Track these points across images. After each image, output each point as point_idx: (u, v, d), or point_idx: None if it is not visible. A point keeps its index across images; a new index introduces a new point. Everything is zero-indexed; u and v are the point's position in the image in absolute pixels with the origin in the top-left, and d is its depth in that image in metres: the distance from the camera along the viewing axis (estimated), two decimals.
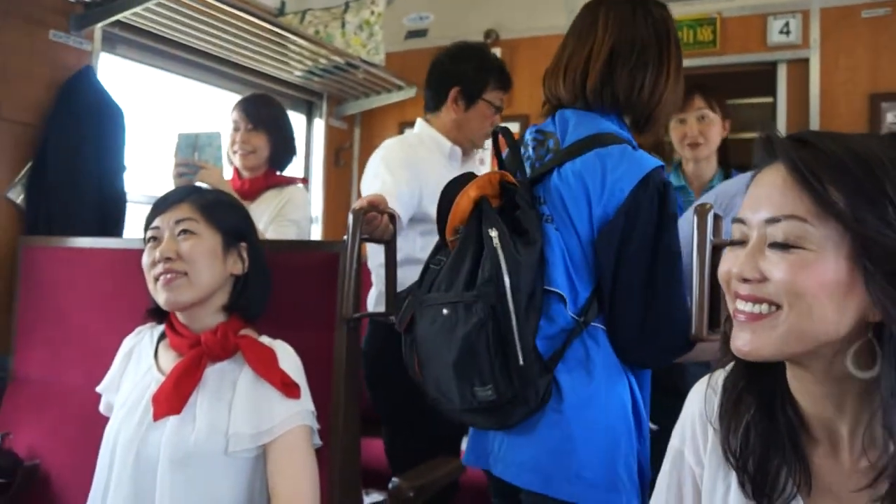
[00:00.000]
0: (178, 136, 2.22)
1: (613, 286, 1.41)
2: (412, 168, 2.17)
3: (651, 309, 1.40)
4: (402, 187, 2.08)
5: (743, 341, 0.85)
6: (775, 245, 0.82)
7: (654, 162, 1.44)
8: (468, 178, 1.47)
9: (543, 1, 3.76)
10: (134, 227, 2.60)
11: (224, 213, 1.56)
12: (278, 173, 2.62)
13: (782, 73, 3.41)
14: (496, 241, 1.34)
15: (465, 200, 1.42)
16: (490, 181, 1.45)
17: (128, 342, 1.62)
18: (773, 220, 0.83)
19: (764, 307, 0.83)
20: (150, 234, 1.51)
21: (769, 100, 3.62)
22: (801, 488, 0.87)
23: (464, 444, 2.19)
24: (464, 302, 1.34)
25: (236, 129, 2.55)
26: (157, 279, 1.47)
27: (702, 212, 1.35)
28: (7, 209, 2.28)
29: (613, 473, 1.39)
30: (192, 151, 2.17)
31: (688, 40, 3.48)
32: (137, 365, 1.56)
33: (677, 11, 3.52)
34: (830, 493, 0.87)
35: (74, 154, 2.32)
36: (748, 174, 0.91)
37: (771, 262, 0.82)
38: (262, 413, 1.41)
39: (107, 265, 1.98)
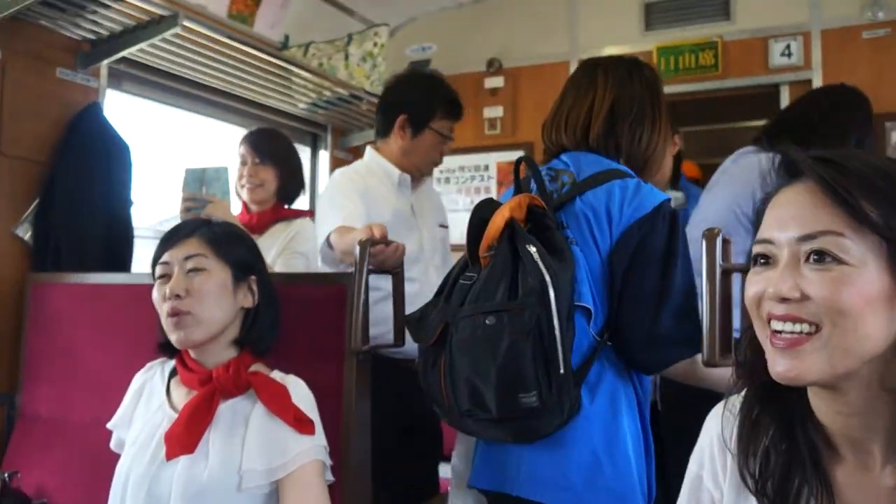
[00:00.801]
0: (185, 172, 2.23)
1: (623, 300, 1.52)
2: (363, 197, 2.18)
3: (665, 313, 1.48)
4: (357, 209, 2.11)
5: (785, 367, 0.82)
6: (814, 262, 0.81)
7: (664, 195, 1.59)
8: (493, 202, 1.58)
9: (545, 30, 3.79)
10: (141, 261, 2.61)
11: (233, 247, 1.56)
12: (286, 206, 2.63)
13: (785, 95, 3.42)
14: (536, 256, 1.42)
15: (499, 219, 1.51)
16: (520, 204, 1.53)
17: (139, 378, 1.61)
18: (807, 238, 0.81)
19: (805, 327, 0.81)
20: (159, 270, 1.51)
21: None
22: None
23: (442, 472, 2.20)
24: (509, 311, 1.39)
25: (244, 163, 2.57)
26: (167, 317, 1.47)
27: (710, 236, 1.35)
28: (15, 246, 2.28)
29: (633, 485, 1.47)
30: (200, 186, 2.18)
31: (689, 65, 3.50)
32: (149, 401, 1.55)
33: (678, 36, 3.57)
34: None
35: (81, 190, 2.33)
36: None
37: (810, 279, 0.80)
38: (275, 449, 1.40)
39: (115, 301, 1.98)
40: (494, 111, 3.86)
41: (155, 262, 1.53)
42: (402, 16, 3.97)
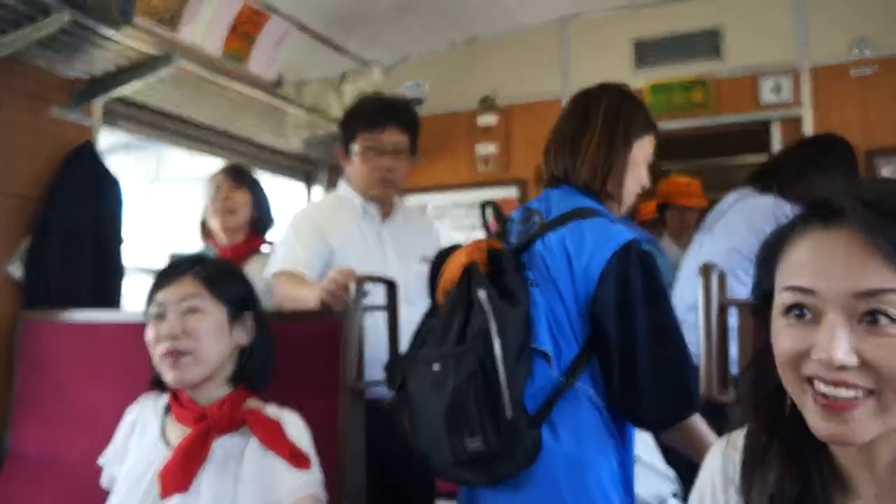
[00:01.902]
0: (170, 257, 2.24)
1: (620, 348, 1.47)
2: (320, 233, 2.14)
3: (663, 368, 1.45)
4: (311, 255, 2.08)
5: (833, 430, 0.76)
6: (868, 323, 0.73)
7: (630, 234, 1.54)
8: (455, 248, 1.59)
9: (539, 68, 3.83)
10: (132, 298, 2.60)
11: (228, 284, 1.55)
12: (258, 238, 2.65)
13: (776, 132, 3.45)
14: (484, 300, 1.42)
15: (454, 265, 1.52)
16: (478, 248, 1.54)
17: (130, 413, 1.59)
18: (867, 295, 0.73)
19: (859, 393, 0.74)
20: (153, 309, 1.49)
21: (763, 158, 3.66)
22: None
23: None
24: (454, 355, 1.41)
25: (218, 190, 2.59)
26: (163, 357, 1.45)
27: (706, 271, 1.35)
28: (6, 283, 2.27)
29: None
30: None
31: (680, 102, 3.53)
32: (143, 436, 1.53)
33: (669, 74, 3.61)
34: None
35: (73, 227, 2.33)
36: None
37: (870, 344, 0.73)
38: (270, 484, 1.39)
39: (105, 338, 1.96)
40: (487, 148, 3.88)
41: (149, 301, 1.52)
42: (395, 55, 4.00)
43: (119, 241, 2.47)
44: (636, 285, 1.47)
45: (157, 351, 1.46)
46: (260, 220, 2.64)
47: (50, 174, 2.36)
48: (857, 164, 2.42)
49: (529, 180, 3.72)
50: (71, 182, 2.37)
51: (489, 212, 1.65)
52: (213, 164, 2.95)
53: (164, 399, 1.56)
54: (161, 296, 1.49)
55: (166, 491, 1.38)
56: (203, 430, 1.44)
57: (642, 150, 1.69)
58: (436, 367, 1.42)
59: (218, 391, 1.49)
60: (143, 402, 1.60)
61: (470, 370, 1.38)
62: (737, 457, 0.92)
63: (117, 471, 1.53)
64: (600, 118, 1.65)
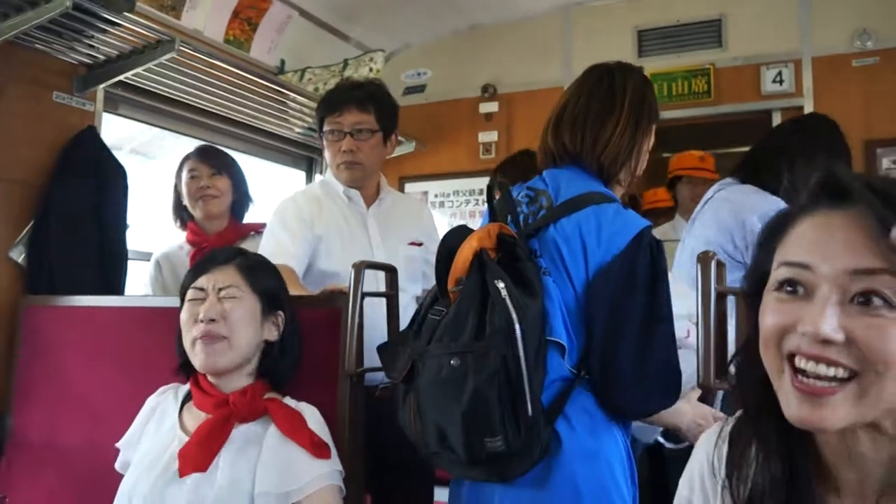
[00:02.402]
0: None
1: (607, 332, 1.44)
2: (304, 222, 2.13)
3: (646, 357, 1.42)
4: (298, 245, 2.08)
5: (806, 413, 0.75)
6: (859, 303, 0.73)
7: (644, 221, 1.50)
8: (464, 230, 1.50)
9: (540, 56, 3.83)
10: (135, 284, 2.60)
11: (266, 278, 1.59)
12: (238, 221, 2.63)
13: (777, 121, 3.44)
14: (504, 292, 1.35)
15: (467, 251, 1.44)
16: (489, 233, 1.47)
17: (151, 400, 1.61)
18: (863, 273, 0.73)
19: (839, 372, 0.73)
20: (192, 293, 1.53)
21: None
22: None
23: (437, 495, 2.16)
24: (474, 352, 1.34)
25: (195, 178, 2.53)
26: (195, 340, 1.47)
27: (705, 259, 1.35)
28: (9, 269, 2.28)
29: None
30: None
31: (682, 91, 3.53)
32: (160, 423, 1.55)
33: (671, 63, 3.60)
34: None
35: (76, 213, 2.33)
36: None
37: (859, 322, 0.72)
38: (290, 472, 1.40)
39: (108, 324, 1.97)
40: (489, 136, 3.88)
41: (188, 285, 1.55)
42: (397, 42, 4.00)
43: (123, 227, 2.47)
44: (640, 272, 1.44)
45: (192, 332, 1.48)
46: (239, 203, 2.61)
47: (52, 160, 2.37)
48: (843, 141, 2.34)
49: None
50: (73, 168, 2.37)
51: (498, 193, 1.61)
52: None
53: (184, 389, 1.58)
54: (202, 281, 1.53)
55: (185, 470, 1.40)
56: (224, 414, 1.46)
57: (652, 138, 1.67)
58: (454, 362, 1.35)
59: (241, 381, 1.52)
60: (164, 392, 1.61)
61: (493, 369, 1.32)
62: (725, 448, 0.92)
63: (131, 455, 1.55)
64: (627, 100, 1.60)
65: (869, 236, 0.73)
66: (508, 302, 1.34)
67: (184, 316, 1.52)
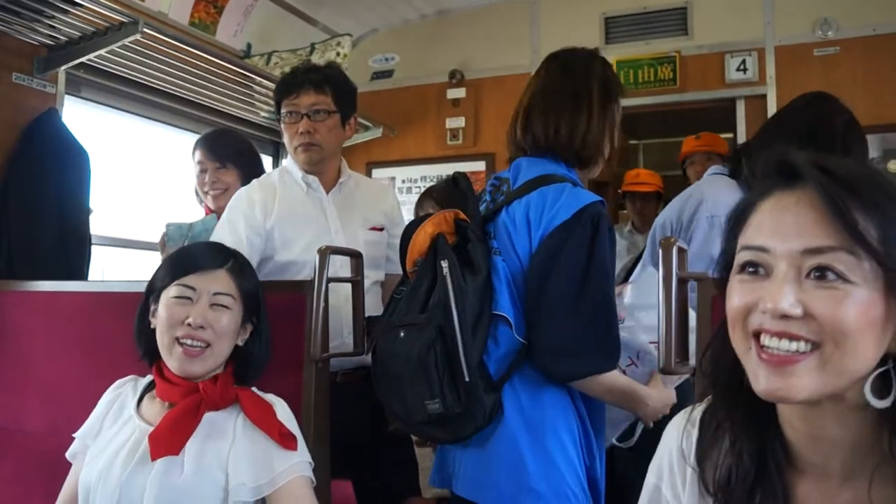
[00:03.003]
0: (168, 227, 2.18)
1: (541, 298, 1.51)
2: (258, 210, 2.11)
3: (576, 322, 1.48)
4: (253, 236, 2.06)
5: (773, 385, 0.78)
6: (815, 278, 0.76)
7: (593, 197, 1.55)
8: (425, 218, 1.61)
9: (507, 42, 3.83)
10: (98, 269, 2.57)
11: (250, 284, 1.55)
12: None
13: (741, 109, 3.49)
14: (446, 271, 1.51)
15: (421, 236, 1.58)
16: (446, 219, 1.60)
17: (109, 394, 1.57)
18: (814, 252, 0.76)
19: (801, 346, 0.76)
20: (180, 291, 1.47)
21: (730, 135, 3.71)
22: None
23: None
24: (417, 324, 1.50)
25: (203, 171, 2.47)
26: (177, 341, 1.44)
27: (666, 245, 1.37)
28: None
29: (563, 485, 1.49)
30: (185, 241, 2.14)
31: (648, 78, 3.56)
32: (118, 415, 1.52)
33: (638, 50, 3.63)
34: None
35: (37, 197, 2.30)
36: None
37: (815, 296, 0.75)
38: (262, 464, 1.39)
39: (70, 309, 1.95)
40: (456, 122, 3.89)
41: (173, 279, 1.49)
42: (365, 26, 3.98)
43: (86, 211, 2.44)
44: (575, 252, 1.50)
45: (175, 332, 1.44)
46: None
47: (11, 143, 2.33)
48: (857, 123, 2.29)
49: (498, 154, 3.73)
50: (33, 151, 2.34)
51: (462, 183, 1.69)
52: None
53: (143, 382, 1.55)
54: (194, 281, 1.48)
55: (156, 453, 1.38)
56: (194, 401, 1.44)
57: (620, 109, 1.71)
58: (402, 333, 1.51)
59: (207, 376, 1.49)
60: (122, 385, 1.58)
61: (430, 338, 1.47)
62: (694, 433, 0.94)
63: (86, 446, 1.52)
64: (595, 87, 1.65)
65: (820, 214, 0.77)
66: (449, 279, 1.50)
67: (165, 313, 1.46)
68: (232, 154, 2.48)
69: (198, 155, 2.48)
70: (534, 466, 1.48)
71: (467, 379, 1.46)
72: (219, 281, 1.49)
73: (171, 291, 1.47)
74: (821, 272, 0.76)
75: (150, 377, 1.55)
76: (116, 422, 1.50)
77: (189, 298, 1.46)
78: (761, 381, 0.79)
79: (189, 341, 1.43)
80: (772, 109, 3.37)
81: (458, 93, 3.89)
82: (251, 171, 2.47)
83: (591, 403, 1.58)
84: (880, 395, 0.78)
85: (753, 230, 0.82)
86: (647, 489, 1.02)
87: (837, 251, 0.75)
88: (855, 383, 0.77)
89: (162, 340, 1.46)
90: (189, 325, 1.43)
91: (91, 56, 2.48)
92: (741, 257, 0.82)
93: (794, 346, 0.76)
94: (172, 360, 1.45)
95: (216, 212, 2.44)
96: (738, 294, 0.82)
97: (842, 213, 0.75)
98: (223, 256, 1.54)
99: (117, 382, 1.58)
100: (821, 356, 0.76)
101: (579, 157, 1.65)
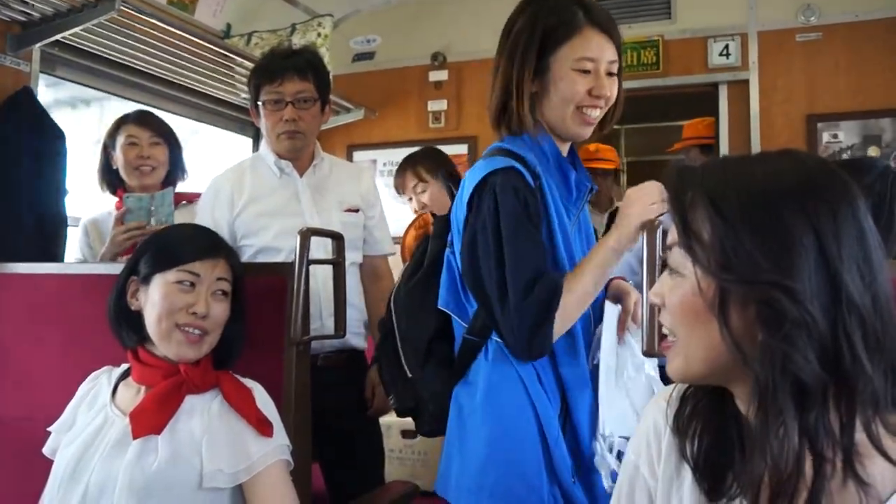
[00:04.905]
0: (126, 199, 2.12)
1: (474, 290, 1.43)
2: (230, 196, 2.10)
3: (505, 294, 1.37)
4: (225, 224, 2.07)
5: (668, 368, 0.88)
6: (669, 270, 0.86)
7: (496, 164, 1.41)
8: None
9: (490, 24, 3.76)
10: (75, 250, 2.53)
11: (240, 273, 1.54)
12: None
13: (723, 94, 3.50)
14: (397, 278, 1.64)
15: (408, 239, 1.79)
16: (425, 220, 1.75)
17: (84, 386, 1.55)
18: (670, 247, 0.86)
19: (668, 332, 0.87)
20: (185, 276, 1.44)
21: (712, 119, 3.71)
22: (746, 492, 0.85)
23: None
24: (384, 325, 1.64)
25: (134, 144, 2.33)
26: (178, 328, 1.42)
27: (650, 227, 1.36)
28: None
29: (509, 481, 1.40)
30: (147, 214, 2.10)
31: (631, 62, 3.55)
32: (92, 405, 1.50)
33: (621, 34, 3.60)
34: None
35: (11, 177, 2.26)
36: None
37: (667, 286, 0.86)
38: (239, 450, 1.38)
39: (46, 292, 1.92)
40: (439, 104, 3.87)
41: (171, 264, 1.45)
42: (346, 7, 3.94)
43: (62, 192, 2.40)
44: (485, 217, 1.39)
45: (175, 319, 1.42)
46: (172, 174, 2.42)
47: None
48: None
49: (480, 137, 3.72)
50: (7, 130, 2.29)
51: None
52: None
53: (117, 372, 1.53)
54: (199, 267, 1.45)
55: (138, 432, 1.36)
56: (176, 382, 1.42)
57: (565, 62, 1.46)
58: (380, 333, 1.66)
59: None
60: (97, 377, 1.55)
61: (381, 339, 1.62)
62: (670, 412, 0.95)
63: (61, 440, 1.50)
64: (508, 45, 1.50)
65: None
66: (395, 282, 1.61)
67: (164, 299, 1.42)
68: (165, 132, 2.40)
69: (128, 129, 2.34)
70: (493, 465, 1.41)
71: (409, 376, 1.54)
72: (220, 268, 1.48)
73: (171, 276, 1.44)
74: (671, 265, 0.86)
75: (125, 366, 1.53)
76: (90, 411, 1.48)
77: (191, 285, 1.44)
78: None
79: (191, 329, 1.42)
80: (754, 95, 3.38)
81: (441, 75, 3.87)
82: (178, 155, 2.42)
83: (546, 392, 1.46)
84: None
85: None
86: (626, 466, 1.04)
87: (677, 247, 0.84)
88: (733, 370, 0.81)
89: (158, 325, 1.43)
90: (194, 313, 1.42)
91: (67, 33, 2.44)
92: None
93: (665, 331, 0.88)
94: (171, 345, 1.43)
95: (135, 190, 2.32)
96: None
97: (681, 217, 0.82)
98: (222, 243, 1.54)
99: (92, 374, 1.56)
100: (679, 340, 0.86)
101: (497, 120, 1.52)
